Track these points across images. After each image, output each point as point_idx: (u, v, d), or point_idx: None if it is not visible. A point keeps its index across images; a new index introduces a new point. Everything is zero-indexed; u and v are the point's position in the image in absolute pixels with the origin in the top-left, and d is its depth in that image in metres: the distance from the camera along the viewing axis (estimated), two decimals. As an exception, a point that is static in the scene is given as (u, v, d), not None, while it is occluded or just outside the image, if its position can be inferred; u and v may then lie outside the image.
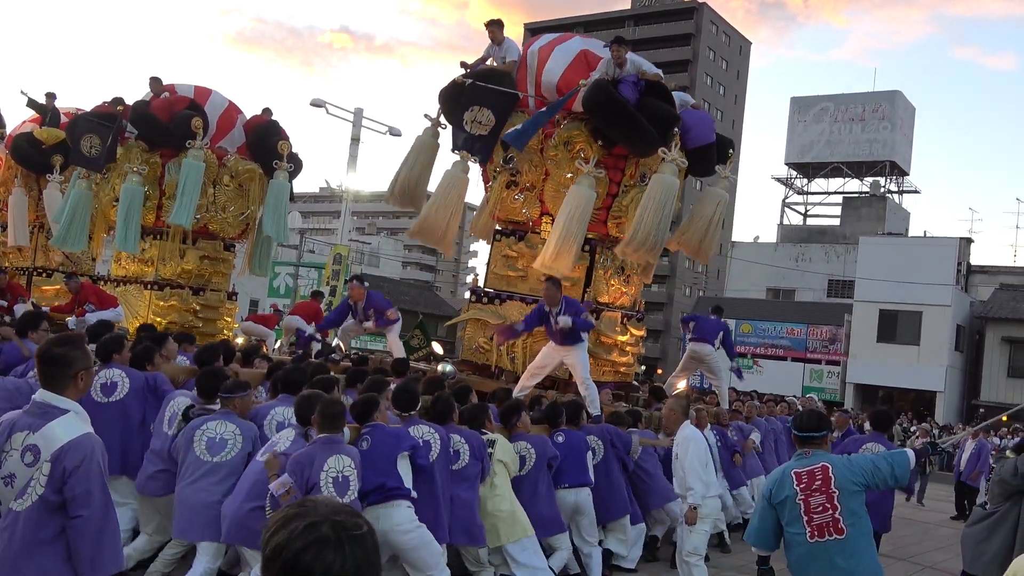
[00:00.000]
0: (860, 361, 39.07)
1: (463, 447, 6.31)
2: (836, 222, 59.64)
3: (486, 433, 6.74)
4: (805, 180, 62.38)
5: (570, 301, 8.95)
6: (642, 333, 11.26)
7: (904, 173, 60.69)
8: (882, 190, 59.34)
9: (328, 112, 26.28)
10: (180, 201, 11.34)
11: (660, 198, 9.45)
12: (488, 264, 11.09)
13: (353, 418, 5.84)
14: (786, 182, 62.63)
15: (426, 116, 10.73)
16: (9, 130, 14.88)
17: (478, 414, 6.90)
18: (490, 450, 6.55)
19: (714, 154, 11.01)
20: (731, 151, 11.53)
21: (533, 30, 74.44)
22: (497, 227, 11.00)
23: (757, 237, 60.93)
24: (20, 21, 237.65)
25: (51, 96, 14.47)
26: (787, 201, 62.73)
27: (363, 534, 1.61)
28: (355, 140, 27.25)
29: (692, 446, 6.66)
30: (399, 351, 11.16)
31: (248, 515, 5.27)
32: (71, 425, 3.19)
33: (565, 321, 8.65)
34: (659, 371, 49.32)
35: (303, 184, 12.87)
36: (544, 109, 9.85)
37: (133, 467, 6.29)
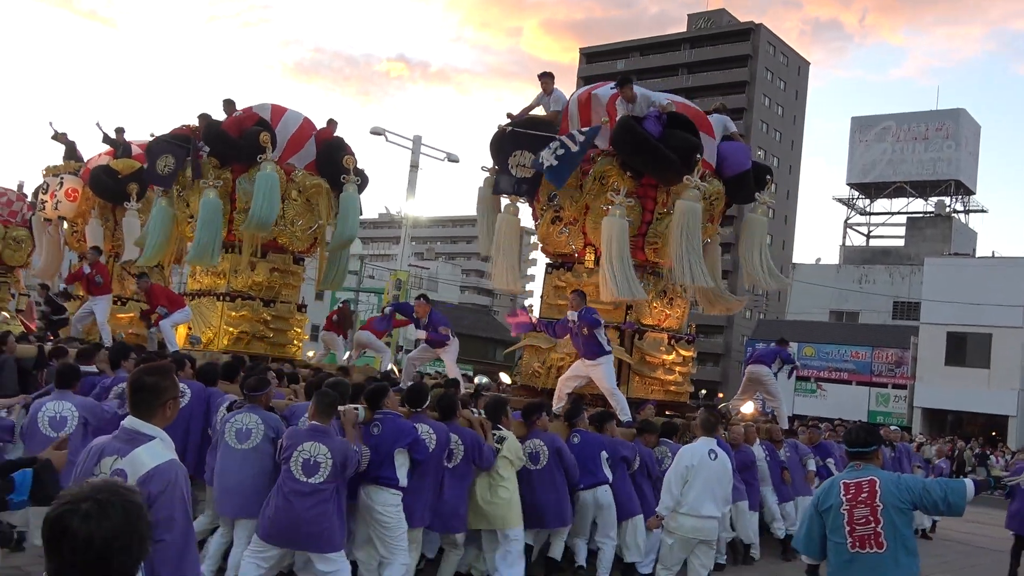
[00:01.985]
0: (928, 385, 38.17)
1: (459, 448, 6.97)
2: (900, 243, 58.41)
3: (500, 428, 7.35)
4: (867, 200, 61.30)
5: (588, 309, 9.56)
6: (691, 354, 11.58)
7: (970, 192, 59.28)
8: (947, 210, 58.00)
9: (387, 140, 26.86)
10: (258, 205, 11.59)
11: (681, 222, 10.08)
12: (542, 295, 11.78)
13: (367, 403, 6.66)
14: (848, 203, 61.62)
15: (483, 168, 11.75)
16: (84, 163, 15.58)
17: (496, 409, 7.56)
18: (498, 446, 7.18)
19: (751, 181, 11.37)
20: (769, 177, 11.84)
21: (588, 55, 74.63)
22: (547, 260, 11.75)
23: (819, 259, 60.04)
24: (89, 59, 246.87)
25: (120, 131, 15.14)
26: (849, 222, 61.72)
27: (116, 510, 1.95)
28: (414, 167, 27.77)
29: (677, 459, 6.97)
30: (454, 373, 11.59)
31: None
32: (157, 451, 3.30)
33: (572, 315, 9.38)
34: (720, 395, 48.74)
35: (362, 210, 13.58)
36: (575, 149, 10.38)
37: (191, 465, 7.15)
